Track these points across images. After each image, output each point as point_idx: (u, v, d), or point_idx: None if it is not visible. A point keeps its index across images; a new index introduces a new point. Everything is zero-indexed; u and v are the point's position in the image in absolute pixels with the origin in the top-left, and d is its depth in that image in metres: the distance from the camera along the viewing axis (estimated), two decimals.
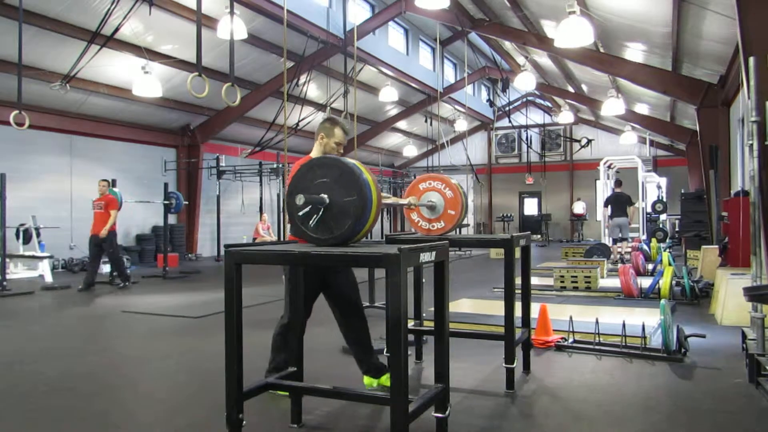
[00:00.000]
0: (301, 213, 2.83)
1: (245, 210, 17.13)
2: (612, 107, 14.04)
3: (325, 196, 2.79)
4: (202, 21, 6.62)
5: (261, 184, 16.41)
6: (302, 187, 2.83)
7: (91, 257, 9.51)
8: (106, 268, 11.77)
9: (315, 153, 3.61)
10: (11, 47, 8.70)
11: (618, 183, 12.49)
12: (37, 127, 10.86)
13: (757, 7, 4.87)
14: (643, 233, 15.65)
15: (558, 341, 4.87)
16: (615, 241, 12.06)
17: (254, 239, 14.72)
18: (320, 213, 2.79)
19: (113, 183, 10.41)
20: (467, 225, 22.92)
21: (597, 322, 4.79)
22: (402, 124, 22.79)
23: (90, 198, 10.79)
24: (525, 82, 13.82)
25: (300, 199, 2.78)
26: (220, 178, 15.92)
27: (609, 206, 12.15)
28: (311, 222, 2.82)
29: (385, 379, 3.59)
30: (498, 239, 4.10)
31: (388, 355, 4.01)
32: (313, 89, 15.09)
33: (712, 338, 5.03)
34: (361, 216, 2.75)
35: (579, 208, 22.65)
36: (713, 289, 6.98)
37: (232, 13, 6.98)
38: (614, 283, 8.01)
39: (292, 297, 3.26)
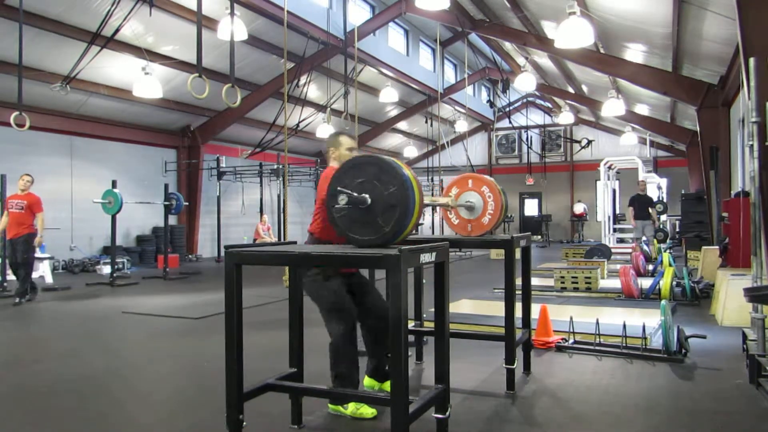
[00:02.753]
0: (340, 214, 2.79)
1: (245, 211, 17.13)
2: (612, 108, 14.04)
3: (367, 195, 2.74)
4: (203, 22, 6.63)
5: (261, 185, 16.42)
6: (342, 188, 2.78)
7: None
8: (106, 269, 11.81)
9: (333, 164, 3.52)
10: (12, 48, 8.71)
11: (641, 184, 12.46)
12: (37, 128, 10.86)
13: (757, 7, 4.87)
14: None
15: (558, 342, 4.87)
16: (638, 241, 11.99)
17: (254, 240, 14.72)
18: (362, 211, 2.74)
19: (114, 184, 10.41)
20: None
21: (597, 322, 4.79)
22: (402, 125, 22.80)
23: (90, 199, 10.82)
24: (525, 82, 13.82)
25: (343, 199, 2.73)
26: (221, 179, 15.93)
27: (633, 206, 12.12)
28: (350, 221, 2.79)
29: (387, 385, 3.58)
30: (498, 240, 4.10)
31: (389, 355, 4.02)
32: (313, 90, 15.10)
33: (712, 339, 5.03)
34: (405, 214, 2.70)
35: (579, 208, 22.64)
36: (714, 290, 6.98)
37: (232, 14, 6.99)
38: (615, 283, 8.00)
39: (338, 307, 3.25)
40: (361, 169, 2.80)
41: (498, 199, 4.06)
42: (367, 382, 3.64)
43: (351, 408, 3.29)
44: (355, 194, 2.74)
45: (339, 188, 2.77)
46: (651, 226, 12.10)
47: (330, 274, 3.30)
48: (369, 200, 2.74)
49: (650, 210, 12.02)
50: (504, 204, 4.09)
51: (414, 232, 4.29)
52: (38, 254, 10.67)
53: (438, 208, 4.07)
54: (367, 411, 3.27)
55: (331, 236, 3.35)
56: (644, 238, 11.69)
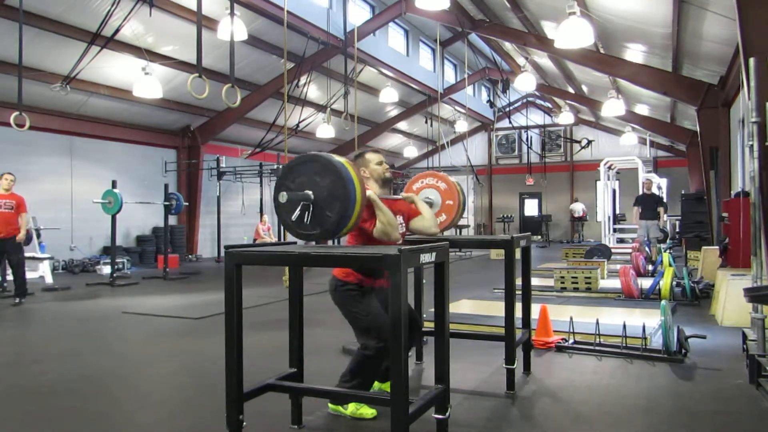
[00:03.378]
0: (287, 211, 2.89)
1: (245, 211, 17.13)
2: (612, 108, 14.04)
3: (310, 192, 2.82)
4: (203, 22, 6.64)
5: (261, 185, 16.42)
6: (286, 186, 2.88)
7: None
8: (106, 269, 11.81)
9: (373, 188, 3.42)
10: (12, 48, 8.71)
11: (647, 183, 12.32)
12: (37, 128, 10.86)
13: (757, 7, 4.87)
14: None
15: (558, 342, 4.87)
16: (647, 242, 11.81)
17: (254, 240, 14.72)
18: (310, 209, 2.83)
19: (114, 184, 10.41)
20: (467, 226, 22.94)
21: (597, 322, 4.79)
22: (402, 125, 22.80)
23: (90, 199, 10.81)
24: (525, 82, 13.82)
25: (283, 197, 2.83)
26: (221, 179, 15.93)
27: (639, 206, 11.98)
28: (305, 219, 2.86)
29: (388, 386, 3.58)
30: (498, 240, 4.10)
31: None
32: (313, 90, 15.10)
33: (712, 339, 5.03)
34: (345, 210, 2.79)
35: (578, 208, 22.60)
36: (714, 290, 6.98)
37: (232, 14, 7.00)
38: (615, 283, 8.00)
39: (376, 325, 3.14)
40: (301, 168, 2.89)
41: (453, 188, 4.12)
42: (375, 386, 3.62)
43: (351, 408, 3.28)
44: (298, 192, 2.83)
45: (280, 188, 2.88)
46: (656, 227, 11.80)
47: (366, 290, 3.22)
48: (312, 196, 2.82)
49: (659, 209, 11.72)
50: (462, 200, 4.14)
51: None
52: (38, 254, 10.70)
53: None
54: (367, 411, 3.27)
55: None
56: (646, 239, 11.58)
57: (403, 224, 3.53)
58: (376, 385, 3.63)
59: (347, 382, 3.27)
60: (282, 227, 14.19)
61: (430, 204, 4.08)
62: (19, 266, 8.05)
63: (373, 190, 3.35)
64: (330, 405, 3.36)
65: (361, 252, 2.72)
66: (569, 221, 23.94)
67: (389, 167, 3.55)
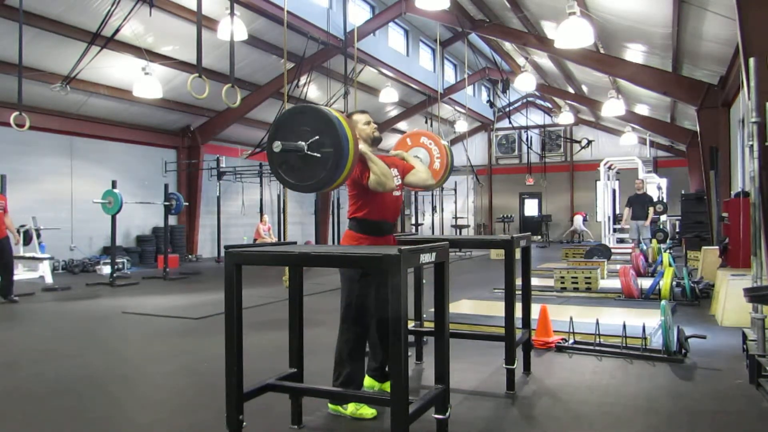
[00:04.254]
0: (280, 160, 2.94)
1: (245, 211, 17.14)
2: (612, 108, 14.05)
3: (303, 143, 2.85)
4: (203, 22, 6.64)
5: (261, 185, 16.42)
6: (282, 134, 2.92)
7: None
8: (106, 269, 11.81)
9: (363, 147, 3.48)
10: (12, 48, 8.71)
11: (639, 184, 12.31)
12: (37, 128, 10.86)
13: (757, 7, 4.87)
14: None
15: (558, 342, 4.86)
16: (638, 242, 11.71)
17: (254, 240, 14.72)
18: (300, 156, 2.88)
19: (114, 184, 10.40)
20: (467, 226, 22.95)
21: (597, 323, 4.79)
22: (402, 125, 22.79)
23: (90, 199, 10.81)
24: (525, 83, 13.83)
25: (277, 146, 2.85)
26: (221, 179, 15.93)
27: (631, 207, 11.98)
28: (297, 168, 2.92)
29: (388, 386, 3.59)
30: (498, 240, 4.10)
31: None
32: (313, 90, 15.10)
33: (712, 339, 5.03)
34: (338, 161, 2.84)
35: (578, 222, 22.54)
36: (714, 290, 6.98)
37: (232, 14, 7.00)
38: (615, 283, 8.00)
39: (359, 305, 3.27)
40: (294, 119, 2.92)
41: (440, 144, 4.20)
42: (366, 382, 3.64)
43: (351, 408, 3.29)
44: (291, 143, 2.86)
45: (273, 138, 2.91)
46: (646, 227, 11.83)
47: (365, 275, 3.32)
48: (305, 147, 2.85)
49: (649, 209, 11.82)
50: (450, 160, 4.23)
51: (414, 232, 4.29)
52: (38, 254, 10.71)
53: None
54: (367, 411, 3.27)
55: (373, 213, 3.43)
56: (642, 239, 11.58)
57: (399, 177, 3.60)
58: (376, 385, 3.63)
59: (338, 378, 3.32)
60: (282, 227, 14.20)
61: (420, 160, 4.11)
62: (10, 267, 8.19)
63: (361, 148, 3.42)
64: (330, 405, 3.36)
65: (361, 252, 2.72)
66: (569, 221, 23.93)
67: (376, 127, 3.63)
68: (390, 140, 24.00)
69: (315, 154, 2.85)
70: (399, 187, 3.59)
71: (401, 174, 3.65)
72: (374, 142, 3.57)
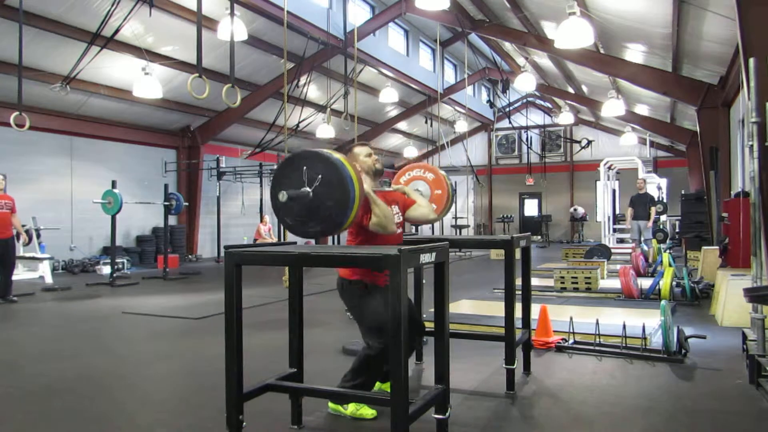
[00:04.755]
0: (286, 209, 2.89)
1: (245, 211, 17.14)
2: (612, 108, 14.04)
3: (308, 189, 2.81)
4: (203, 22, 6.64)
5: (261, 186, 16.41)
6: (284, 183, 2.88)
7: None
8: (105, 269, 11.81)
9: (366, 185, 3.38)
10: (12, 48, 8.71)
11: (640, 183, 12.24)
12: (37, 128, 10.86)
13: (757, 7, 4.87)
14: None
15: (558, 342, 4.87)
16: (638, 243, 11.62)
17: (255, 240, 14.72)
18: (305, 205, 2.84)
19: (114, 184, 10.41)
20: (467, 226, 22.95)
21: (597, 323, 4.79)
22: (402, 125, 22.81)
23: (90, 199, 10.81)
24: (525, 83, 13.83)
25: (283, 196, 2.82)
26: (221, 179, 15.93)
27: (633, 207, 11.94)
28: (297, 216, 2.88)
29: (388, 386, 3.58)
30: (498, 240, 4.10)
31: None
32: (313, 90, 15.10)
33: (712, 339, 5.03)
34: (345, 206, 2.79)
35: (578, 213, 22.58)
36: (713, 290, 6.98)
37: (232, 14, 7.00)
38: (614, 284, 8.00)
39: (380, 322, 3.13)
40: (298, 164, 2.87)
41: (439, 176, 4.15)
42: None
43: (351, 408, 3.29)
44: (296, 190, 2.82)
45: (277, 188, 2.87)
46: (648, 228, 11.73)
47: (372, 288, 3.24)
48: (311, 193, 2.81)
49: (651, 209, 11.79)
50: (450, 189, 4.17)
51: (413, 231, 4.29)
52: (38, 254, 10.71)
53: None
54: (368, 412, 3.27)
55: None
56: (644, 240, 11.54)
57: (399, 214, 3.56)
58: (378, 385, 3.63)
59: (349, 381, 3.28)
60: (282, 227, 14.21)
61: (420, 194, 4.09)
62: (12, 267, 8.29)
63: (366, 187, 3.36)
64: (330, 405, 3.36)
65: (361, 252, 2.72)
66: (569, 221, 23.95)
67: (378, 159, 3.57)
68: (390, 140, 24.08)
69: (321, 198, 2.80)
70: (400, 224, 3.52)
71: (402, 210, 3.58)
72: (376, 174, 3.49)
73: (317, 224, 2.87)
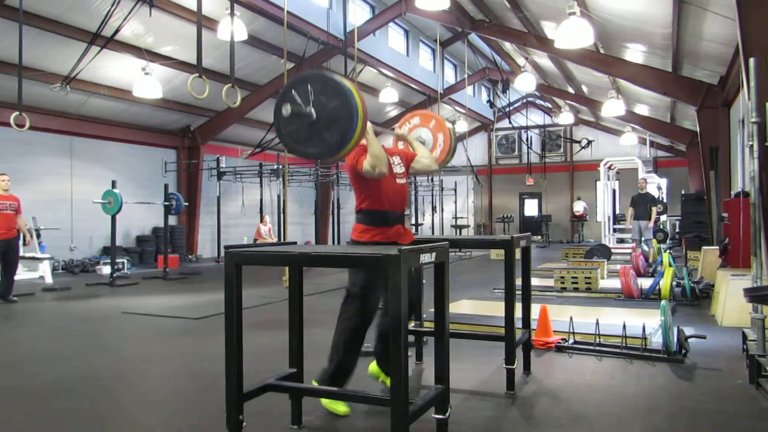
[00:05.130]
0: (287, 125, 2.89)
1: (245, 211, 17.14)
2: (612, 108, 14.05)
3: (312, 109, 2.81)
4: (203, 22, 6.64)
5: (261, 186, 16.42)
6: (291, 99, 2.88)
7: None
8: (105, 269, 11.81)
9: (369, 127, 3.48)
10: (12, 48, 8.71)
11: (641, 183, 12.20)
12: (37, 128, 10.86)
13: (757, 7, 4.87)
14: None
15: (558, 342, 4.86)
16: (638, 243, 11.60)
17: (255, 240, 14.72)
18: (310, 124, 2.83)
19: (114, 184, 10.41)
20: (467, 226, 22.95)
21: (597, 323, 4.79)
22: None
23: (90, 199, 10.82)
24: (525, 83, 13.83)
25: (286, 110, 2.81)
26: (221, 179, 15.94)
27: (634, 206, 11.89)
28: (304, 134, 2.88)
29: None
30: (498, 240, 4.10)
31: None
32: None
33: (712, 339, 5.03)
34: (345, 133, 2.80)
35: (579, 207, 22.61)
36: (713, 290, 6.98)
37: (232, 14, 7.01)
38: (614, 284, 8.00)
39: (360, 296, 3.22)
40: (306, 85, 2.86)
41: (444, 127, 4.11)
42: (372, 368, 3.61)
43: (325, 401, 3.34)
44: (302, 106, 2.82)
45: (284, 99, 2.86)
46: (649, 228, 11.69)
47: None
48: (314, 114, 2.80)
49: (652, 209, 11.73)
50: (452, 134, 4.13)
51: (414, 232, 4.28)
52: (38, 254, 10.71)
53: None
54: (340, 408, 3.29)
55: (377, 203, 3.36)
56: (644, 240, 11.52)
57: (402, 165, 3.57)
58: (380, 373, 3.60)
59: (331, 364, 3.32)
60: (282, 227, 14.21)
61: (423, 142, 4.08)
62: (15, 267, 8.31)
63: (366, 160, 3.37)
64: (323, 401, 3.37)
65: (360, 252, 2.72)
66: (569, 221, 23.95)
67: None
68: (390, 140, 24.06)
69: (323, 121, 2.80)
70: (404, 175, 3.54)
71: (405, 163, 3.60)
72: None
73: (314, 146, 2.88)
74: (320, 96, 2.82)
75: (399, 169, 3.51)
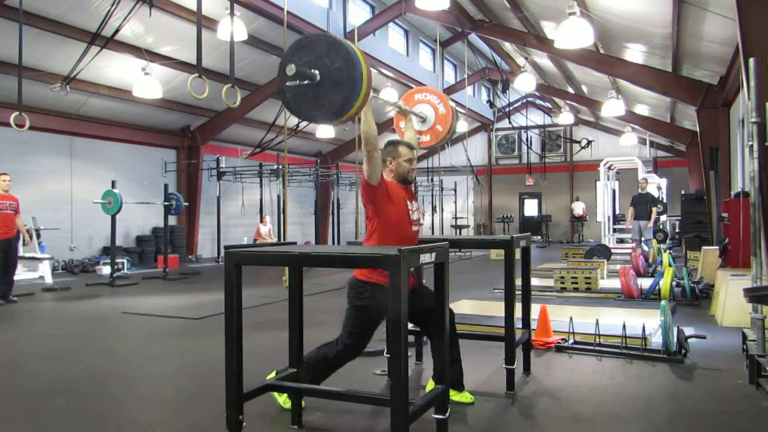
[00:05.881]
0: (291, 93, 2.88)
1: (245, 211, 17.14)
2: (612, 108, 14.05)
3: (317, 71, 2.80)
4: (203, 22, 6.63)
5: (261, 186, 16.42)
6: (297, 58, 2.86)
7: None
8: (105, 269, 11.80)
9: (388, 178, 3.38)
10: (12, 48, 8.70)
11: (642, 183, 12.17)
12: (37, 128, 10.85)
13: (757, 7, 4.87)
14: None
15: (558, 342, 4.87)
16: (638, 243, 11.56)
17: (255, 240, 14.72)
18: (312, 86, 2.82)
19: (113, 184, 10.40)
20: (467, 226, 22.94)
21: (597, 323, 4.78)
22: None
23: (90, 199, 10.82)
24: (525, 83, 13.83)
25: (291, 69, 2.79)
26: (221, 179, 15.93)
27: (635, 206, 11.87)
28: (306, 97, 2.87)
29: (459, 395, 3.47)
30: (498, 240, 4.10)
31: (388, 356, 4.02)
32: None
33: (712, 339, 5.03)
34: (348, 100, 2.79)
35: (579, 209, 22.62)
36: (713, 290, 6.98)
37: (232, 14, 7.00)
38: (614, 284, 8.00)
39: (361, 326, 3.13)
40: (311, 47, 2.85)
41: (449, 115, 4.10)
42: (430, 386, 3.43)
43: (283, 398, 3.36)
44: (305, 68, 2.80)
45: (289, 59, 2.84)
46: (649, 228, 11.67)
47: (383, 302, 3.01)
48: (318, 76, 2.79)
49: (652, 209, 11.71)
50: (453, 125, 4.13)
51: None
52: (38, 254, 10.70)
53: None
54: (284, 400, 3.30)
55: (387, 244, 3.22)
56: (644, 240, 11.50)
57: (418, 212, 3.48)
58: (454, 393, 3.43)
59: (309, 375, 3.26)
60: (282, 227, 14.21)
61: (423, 120, 4.06)
62: (14, 267, 8.30)
63: (389, 181, 3.33)
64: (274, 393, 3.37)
65: (361, 252, 2.72)
66: (569, 221, 23.96)
67: (414, 170, 3.45)
68: (389, 137, 24.06)
69: (326, 85, 2.78)
70: (418, 223, 3.45)
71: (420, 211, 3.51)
72: (404, 180, 3.41)
73: (315, 110, 2.88)
74: (325, 58, 2.81)
75: (415, 216, 3.40)
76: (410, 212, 3.39)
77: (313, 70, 2.79)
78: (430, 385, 3.39)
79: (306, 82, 2.83)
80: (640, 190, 11.96)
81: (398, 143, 3.50)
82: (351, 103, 2.81)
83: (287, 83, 2.88)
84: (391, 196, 3.30)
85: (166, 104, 13.86)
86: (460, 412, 3.33)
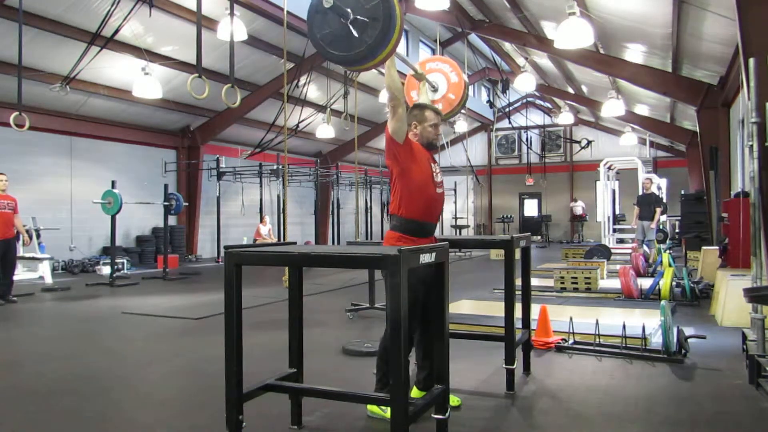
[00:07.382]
0: (323, 22, 2.87)
1: (245, 211, 17.14)
2: (612, 108, 14.04)
3: (350, 10, 2.81)
4: (202, 22, 6.64)
5: (261, 186, 16.43)
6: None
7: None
8: (105, 269, 11.81)
9: (413, 140, 3.37)
10: (12, 48, 8.71)
11: (646, 183, 12.16)
12: (37, 128, 10.87)
13: (757, 7, 4.87)
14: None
15: (558, 342, 4.87)
16: (641, 243, 11.47)
17: (254, 240, 14.72)
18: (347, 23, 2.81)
19: (113, 184, 10.40)
20: (467, 226, 22.94)
21: (597, 323, 4.79)
22: None
23: (90, 199, 10.82)
24: (525, 83, 13.83)
25: (328, 2, 2.79)
26: (220, 179, 15.93)
27: (639, 207, 11.86)
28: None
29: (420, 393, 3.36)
30: (498, 240, 4.09)
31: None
32: (313, 90, 15.09)
33: (712, 339, 5.03)
34: (382, 40, 2.78)
35: (578, 209, 22.63)
36: (713, 290, 6.98)
37: (232, 14, 7.01)
38: (614, 284, 8.00)
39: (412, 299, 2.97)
40: None
41: (461, 84, 4.06)
42: (415, 393, 3.35)
43: (376, 410, 3.24)
44: (340, 4, 2.80)
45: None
46: (652, 229, 11.68)
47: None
48: (352, 16, 2.80)
49: (656, 210, 11.62)
50: (464, 98, 4.09)
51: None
52: (38, 254, 10.70)
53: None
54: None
55: (415, 212, 3.20)
56: (646, 241, 11.48)
57: (440, 174, 3.44)
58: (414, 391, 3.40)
59: (378, 375, 3.23)
60: (282, 227, 14.21)
61: (435, 90, 4.06)
62: (14, 267, 8.28)
63: (414, 142, 3.29)
64: (369, 407, 3.27)
65: (360, 252, 2.72)
66: (569, 221, 23.96)
67: (440, 135, 3.44)
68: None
69: (358, 27, 2.78)
70: (442, 184, 3.42)
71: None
72: (429, 145, 3.38)
73: (341, 50, 2.87)
74: (362, 2, 2.81)
75: (438, 177, 3.37)
76: (434, 174, 3.34)
77: (348, 10, 2.82)
78: (415, 392, 3.34)
79: (341, 18, 2.83)
80: (644, 190, 11.91)
81: (425, 107, 3.45)
82: (389, 37, 2.79)
83: (317, 25, 2.88)
84: (416, 157, 3.25)
85: (166, 104, 13.86)
86: (460, 413, 3.33)
